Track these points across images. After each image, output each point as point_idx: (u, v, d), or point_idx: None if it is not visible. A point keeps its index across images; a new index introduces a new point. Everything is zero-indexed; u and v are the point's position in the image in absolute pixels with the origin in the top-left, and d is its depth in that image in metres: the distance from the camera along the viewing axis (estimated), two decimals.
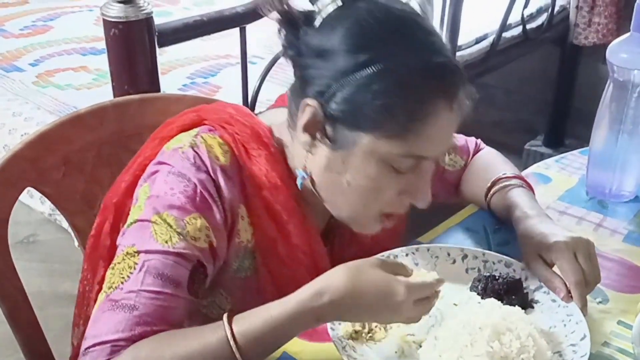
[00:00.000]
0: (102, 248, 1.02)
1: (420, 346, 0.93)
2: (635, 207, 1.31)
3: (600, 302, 1.06)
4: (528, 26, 2.59)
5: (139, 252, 0.90)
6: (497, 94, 3.13)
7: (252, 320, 0.85)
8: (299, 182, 0.99)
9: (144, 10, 1.46)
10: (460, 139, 1.27)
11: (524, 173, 1.31)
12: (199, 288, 0.94)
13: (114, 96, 1.50)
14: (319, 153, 0.94)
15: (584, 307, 0.98)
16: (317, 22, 0.92)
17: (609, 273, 1.11)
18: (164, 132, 1.04)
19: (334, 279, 0.85)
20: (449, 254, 1.09)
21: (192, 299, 0.92)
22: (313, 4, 0.93)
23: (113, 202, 1.03)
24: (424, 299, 0.87)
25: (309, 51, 0.92)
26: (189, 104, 1.25)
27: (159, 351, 0.84)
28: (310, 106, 0.91)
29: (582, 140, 2.31)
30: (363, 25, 0.89)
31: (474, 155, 1.27)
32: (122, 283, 0.89)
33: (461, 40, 2.29)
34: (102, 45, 1.57)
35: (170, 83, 2.18)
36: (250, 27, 1.69)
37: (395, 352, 0.94)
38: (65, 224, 1.55)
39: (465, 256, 1.09)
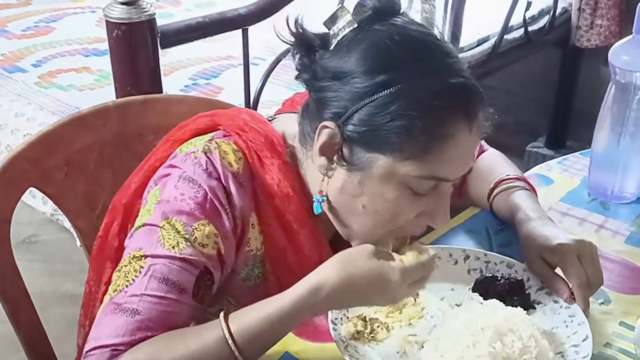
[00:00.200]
0: (110, 249, 1.02)
1: (422, 347, 0.93)
2: (638, 209, 1.31)
3: (602, 303, 1.06)
4: (530, 28, 2.59)
5: (145, 256, 0.90)
6: (499, 95, 3.10)
7: (249, 319, 0.85)
8: (315, 206, 0.97)
9: (146, 11, 1.46)
10: None
11: (526, 174, 1.31)
12: (205, 295, 0.93)
13: (117, 97, 1.50)
14: (335, 176, 0.94)
15: (586, 309, 0.98)
16: (333, 45, 0.92)
17: (611, 274, 1.11)
18: (176, 134, 1.04)
19: (328, 272, 0.85)
20: (451, 255, 1.09)
21: (197, 306, 0.92)
22: (329, 28, 0.93)
23: (122, 203, 1.03)
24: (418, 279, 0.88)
25: (325, 73, 0.91)
26: (191, 105, 1.26)
27: (157, 353, 0.85)
28: (327, 128, 0.91)
29: (584, 142, 2.31)
30: (380, 46, 0.89)
31: (477, 156, 1.27)
32: (126, 286, 0.89)
33: (463, 42, 2.29)
34: (104, 46, 1.57)
35: (172, 84, 2.18)
36: (252, 29, 1.70)
37: (397, 352, 0.94)
38: (67, 224, 1.56)
39: (467, 257, 1.09)
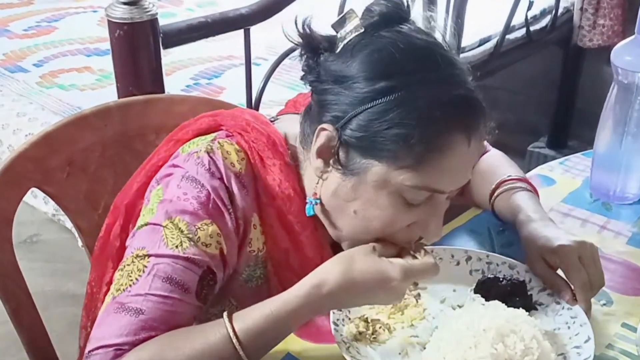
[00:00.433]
0: (111, 249, 1.02)
1: (424, 348, 0.93)
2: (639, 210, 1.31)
3: (604, 304, 1.06)
4: (532, 28, 2.59)
5: (149, 255, 0.90)
6: (501, 95, 3.12)
7: (253, 317, 0.86)
8: (308, 208, 0.97)
9: (148, 11, 1.46)
10: None
11: (527, 175, 1.31)
12: (208, 294, 0.93)
13: (118, 97, 1.50)
14: (330, 179, 0.93)
15: (588, 310, 0.98)
16: (339, 48, 0.91)
17: (613, 275, 1.11)
18: (179, 134, 1.04)
19: (330, 271, 0.86)
20: (452, 256, 1.09)
21: (200, 305, 0.92)
22: (336, 31, 0.92)
23: (124, 204, 1.03)
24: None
25: (328, 76, 0.91)
26: (193, 105, 1.26)
27: (161, 353, 0.85)
28: (325, 130, 0.91)
29: (586, 142, 2.31)
30: (383, 53, 0.88)
31: (480, 156, 1.27)
32: (130, 285, 0.89)
33: (465, 42, 2.29)
34: (106, 46, 1.57)
35: (174, 84, 2.18)
36: (254, 29, 1.70)
37: (399, 353, 0.94)
38: (68, 224, 1.56)
39: (469, 258, 1.09)
